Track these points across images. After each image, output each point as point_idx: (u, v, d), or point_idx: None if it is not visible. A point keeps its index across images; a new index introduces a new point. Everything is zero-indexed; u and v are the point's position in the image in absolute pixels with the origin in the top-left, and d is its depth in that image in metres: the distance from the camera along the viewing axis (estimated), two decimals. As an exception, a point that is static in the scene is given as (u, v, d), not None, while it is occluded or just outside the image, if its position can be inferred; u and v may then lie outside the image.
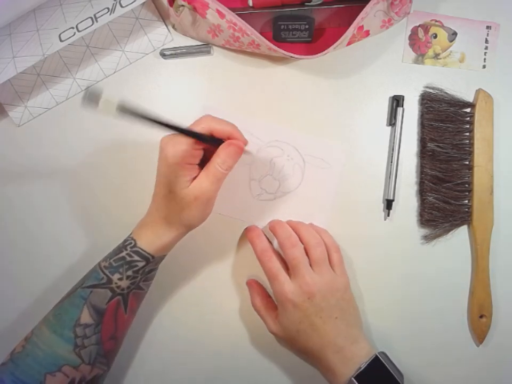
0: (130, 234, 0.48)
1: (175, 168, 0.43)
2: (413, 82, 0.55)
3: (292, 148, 0.56)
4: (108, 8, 0.48)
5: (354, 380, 0.45)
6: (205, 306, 0.57)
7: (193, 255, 0.56)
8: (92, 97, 0.38)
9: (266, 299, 0.53)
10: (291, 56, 0.50)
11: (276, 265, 0.49)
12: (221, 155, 0.44)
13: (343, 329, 0.48)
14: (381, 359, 0.47)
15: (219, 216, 0.56)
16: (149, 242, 0.47)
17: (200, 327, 0.57)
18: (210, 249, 0.57)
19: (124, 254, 0.47)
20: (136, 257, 0.47)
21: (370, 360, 0.47)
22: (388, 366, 0.47)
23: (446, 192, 0.54)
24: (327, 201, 0.55)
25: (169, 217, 0.46)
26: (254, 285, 0.54)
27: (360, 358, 0.47)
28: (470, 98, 0.55)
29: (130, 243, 0.47)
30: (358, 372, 0.46)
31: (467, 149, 0.54)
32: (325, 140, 0.56)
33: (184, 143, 0.43)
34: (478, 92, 0.54)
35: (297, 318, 0.48)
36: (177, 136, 0.43)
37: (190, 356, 0.57)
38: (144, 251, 0.47)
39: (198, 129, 0.44)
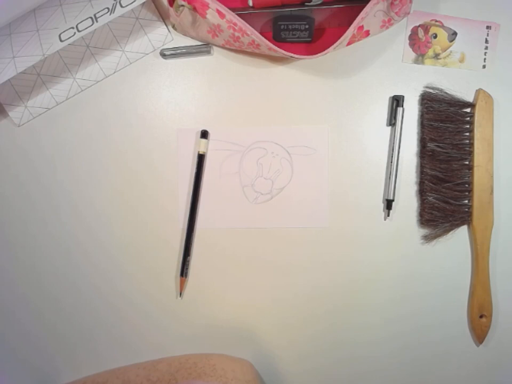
0: None
1: None
2: (413, 82, 0.55)
3: (274, 144, 0.56)
4: (108, 8, 0.48)
5: None
6: (225, 317, 0.57)
7: (212, 271, 0.57)
8: None
9: None
10: (291, 56, 0.50)
11: None
12: None
13: None
14: None
15: (222, 231, 0.56)
16: None
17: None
18: (224, 263, 0.57)
19: None
20: None
21: None
22: None
23: (446, 192, 0.54)
24: (322, 185, 0.56)
25: None
26: None
27: None
28: (470, 98, 0.55)
29: None
30: None
31: (467, 149, 0.54)
32: (304, 127, 0.56)
33: None
34: (478, 92, 0.54)
35: None
36: None
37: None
38: None
39: None
